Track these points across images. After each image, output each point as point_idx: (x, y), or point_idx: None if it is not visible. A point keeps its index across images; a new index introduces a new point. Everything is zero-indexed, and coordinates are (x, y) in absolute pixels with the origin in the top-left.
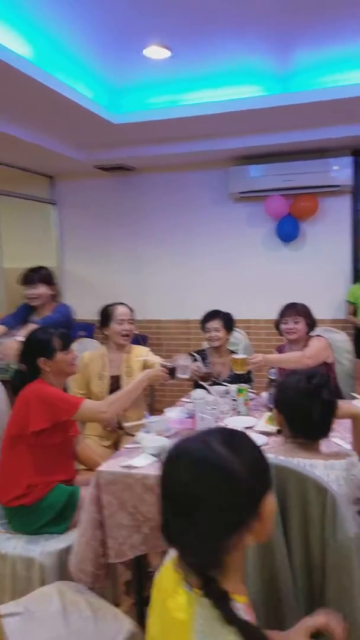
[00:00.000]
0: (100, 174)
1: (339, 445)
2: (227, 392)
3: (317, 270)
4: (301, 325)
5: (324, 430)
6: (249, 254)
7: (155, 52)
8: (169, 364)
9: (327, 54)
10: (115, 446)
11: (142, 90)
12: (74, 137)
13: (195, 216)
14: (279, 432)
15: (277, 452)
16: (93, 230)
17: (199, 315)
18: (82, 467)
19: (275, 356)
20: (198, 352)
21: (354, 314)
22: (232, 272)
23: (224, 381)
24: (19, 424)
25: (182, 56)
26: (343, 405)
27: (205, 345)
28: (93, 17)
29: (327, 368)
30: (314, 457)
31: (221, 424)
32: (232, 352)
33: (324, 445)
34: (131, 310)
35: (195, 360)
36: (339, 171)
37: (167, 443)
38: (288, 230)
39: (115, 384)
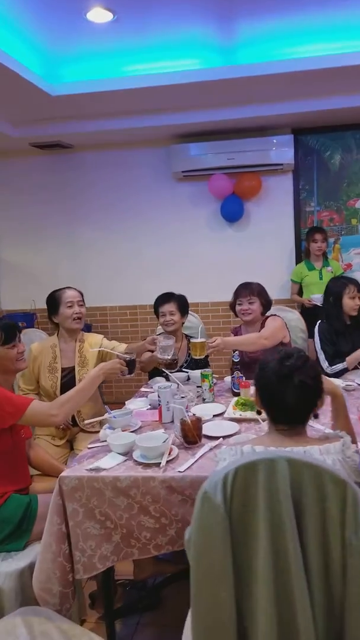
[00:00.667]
0: (36, 152)
1: (320, 429)
2: (188, 379)
3: (261, 250)
4: (256, 306)
5: (301, 416)
6: (193, 235)
7: (99, 14)
8: (127, 356)
9: (271, 27)
10: (70, 445)
11: (83, 60)
12: (7, 110)
13: (137, 197)
14: (258, 412)
15: (262, 442)
16: (28, 213)
17: (144, 300)
18: (37, 472)
19: (233, 339)
20: None
21: (299, 293)
22: (177, 254)
23: (181, 367)
24: None
25: (126, 21)
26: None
27: (158, 330)
28: None
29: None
30: (307, 444)
31: (190, 412)
32: (188, 336)
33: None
34: (81, 293)
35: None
36: (281, 150)
37: (135, 440)
38: (233, 210)
39: (68, 377)
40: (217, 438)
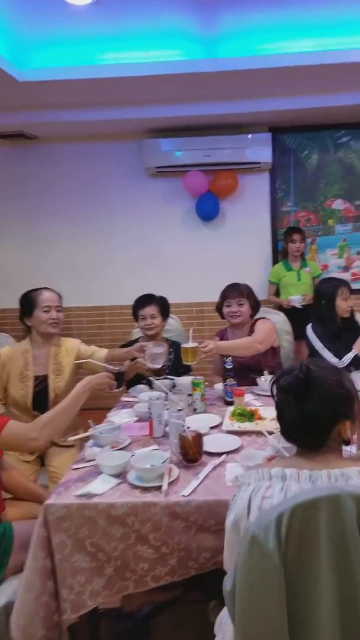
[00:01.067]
0: None
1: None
2: (174, 386)
3: (237, 250)
4: (245, 308)
5: (312, 441)
6: (167, 233)
7: None
8: (115, 367)
9: (254, 20)
10: (40, 461)
11: (55, 44)
12: None
13: (108, 192)
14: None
15: (289, 464)
16: None
17: (112, 301)
18: (9, 496)
19: (226, 343)
20: (129, 343)
21: (277, 294)
22: (150, 252)
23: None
24: None
25: (106, 4)
26: None
27: (136, 334)
28: None
29: (273, 352)
30: (342, 465)
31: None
32: (168, 340)
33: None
34: (59, 296)
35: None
36: (259, 148)
37: (129, 459)
38: (208, 208)
39: (40, 387)
40: (219, 454)
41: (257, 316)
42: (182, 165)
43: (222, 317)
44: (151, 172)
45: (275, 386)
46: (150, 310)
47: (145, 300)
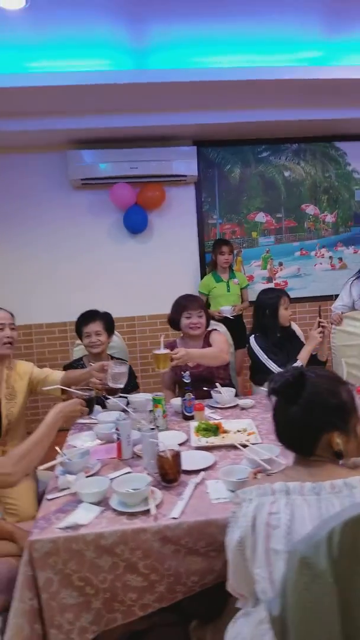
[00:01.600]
0: None
1: None
2: (128, 404)
3: (166, 262)
4: (204, 319)
5: (298, 446)
6: (94, 247)
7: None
8: (85, 393)
9: (183, 34)
10: None
11: None
12: None
13: (31, 205)
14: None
15: (288, 477)
16: None
17: (41, 318)
18: None
19: (196, 351)
20: (73, 363)
21: (206, 305)
22: (77, 268)
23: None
24: None
25: (36, 10)
26: None
27: (77, 352)
28: None
29: (225, 364)
30: (342, 475)
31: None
32: (113, 357)
33: None
34: (11, 314)
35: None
36: (184, 161)
37: (108, 484)
38: (136, 221)
39: None
40: (195, 472)
41: (211, 327)
42: (108, 178)
43: (176, 328)
44: (76, 184)
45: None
46: (95, 327)
47: (90, 316)
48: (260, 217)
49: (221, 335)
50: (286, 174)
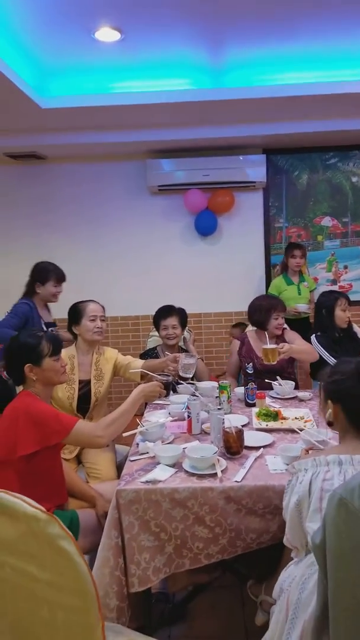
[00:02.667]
0: (7, 162)
1: None
2: (196, 390)
3: (233, 263)
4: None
5: None
6: (167, 247)
7: (107, 34)
8: (164, 378)
9: (256, 54)
10: (77, 459)
11: (75, 74)
12: None
13: (112, 208)
14: (329, 424)
15: (343, 451)
16: None
17: (117, 311)
18: None
19: (298, 347)
20: (148, 352)
21: None
22: (151, 266)
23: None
24: (6, 446)
25: (128, 41)
26: None
27: (150, 343)
28: None
29: (291, 359)
30: None
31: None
32: (183, 349)
33: None
34: (103, 307)
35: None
36: (254, 168)
37: (182, 451)
38: (206, 224)
39: (84, 390)
40: (257, 448)
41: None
42: (182, 184)
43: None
44: (153, 190)
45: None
46: (172, 320)
47: (167, 311)
48: (327, 221)
49: (296, 333)
50: (354, 179)
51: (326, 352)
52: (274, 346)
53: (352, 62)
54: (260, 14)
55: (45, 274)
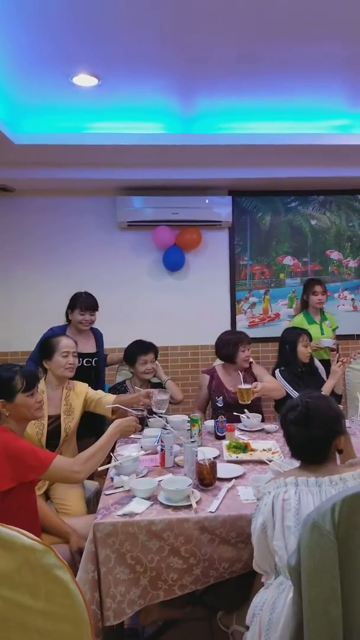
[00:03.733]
0: None
1: None
2: (167, 423)
3: (199, 298)
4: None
5: (320, 454)
6: (135, 282)
7: (84, 79)
8: (139, 412)
9: (225, 104)
10: (46, 495)
11: (50, 113)
12: None
13: (80, 243)
14: None
15: (297, 474)
16: None
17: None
18: None
19: (268, 385)
20: (116, 386)
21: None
22: (119, 301)
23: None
24: None
25: (105, 86)
26: None
27: (120, 377)
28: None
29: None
30: (339, 472)
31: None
32: (153, 383)
33: None
34: (75, 342)
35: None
36: (220, 208)
37: (157, 484)
38: (174, 260)
39: (54, 425)
40: (229, 479)
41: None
42: (151, 221)
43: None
44: (123, 225)
45: (283, 420)
46: (150, 356)
47: (146, 347)
48: (288, 260)
49: (263, 368)
50: (313, 222)
51: (289, 387)
52: (248, 386)
53: (310, 115)
54: (228, 69)
55: (73, 301)
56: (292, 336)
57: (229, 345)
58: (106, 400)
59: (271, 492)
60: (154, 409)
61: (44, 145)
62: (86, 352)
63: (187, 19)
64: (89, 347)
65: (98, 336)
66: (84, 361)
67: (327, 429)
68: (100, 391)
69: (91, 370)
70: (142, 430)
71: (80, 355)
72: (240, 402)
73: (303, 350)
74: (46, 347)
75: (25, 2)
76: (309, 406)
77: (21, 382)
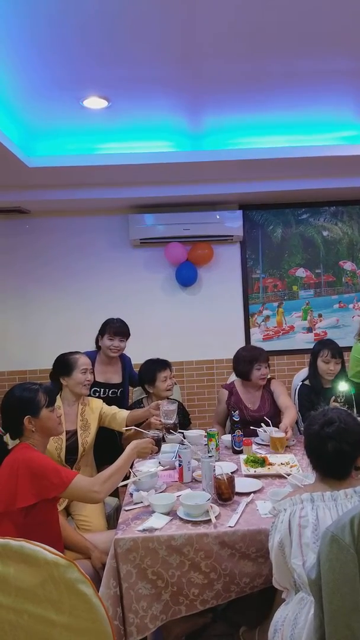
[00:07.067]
0: None
1: None
2: (184, 438)
3: (213, 313)
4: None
5: (341, 470)
6: (149, 298)
7: (94, 102)
8: (155, 434)
9: (233, 120)
10: (66, 511)
11: (61, 136)
12: None
13: (95, 261)
14: None
15: (314, 489)
16: None
17: None
18: None
19: (292, 418)
20: (134, 405)
21: None
22: (134, 316)
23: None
24: (5, 498)
25: (115, 108)
26: None
27: (136, 395)
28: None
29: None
30: (355, 485)
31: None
32: (169, 398)
33: None
34: (91, 361)
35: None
36: (231, 223)
37: (176, 499)
38: (187, 276)
39: (71, 440)
40: (247, 494)
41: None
42: (163, 238)
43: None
44: (135, 243)
45: (315, 434)
46: (169, 371)
47: (163, 364)
48: (301, 272)
49: (283, 386)
50: (324, 233)
51: (298, 406)
52: (282, 434)
53: (318, 128)
54: (235, 85)
55: (103, 327)
56: (314, 348)
57: (244, 363)
58: (120, 415)
59: (287, 509)
60: (163, 420)
61: (57, 168)
62: (112, 382)
63: (194, 38)
64: (116, 377)
65: (126, 363)
66: (110, 392)
67: (358, 445)
68: (114, 406)
69: (115, 401)
70: (158, 452)
71: (106, 386)
72: (273, 450)
73: (322, 366)
74: (64, 364)
75: (38, 30)
76: (347, 421)
77: (44, 398)
